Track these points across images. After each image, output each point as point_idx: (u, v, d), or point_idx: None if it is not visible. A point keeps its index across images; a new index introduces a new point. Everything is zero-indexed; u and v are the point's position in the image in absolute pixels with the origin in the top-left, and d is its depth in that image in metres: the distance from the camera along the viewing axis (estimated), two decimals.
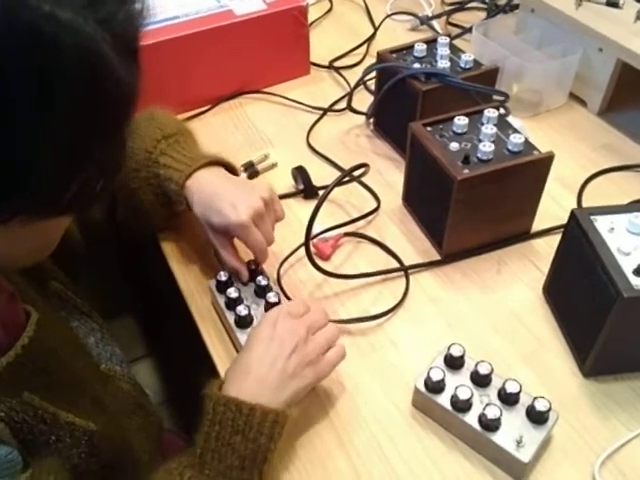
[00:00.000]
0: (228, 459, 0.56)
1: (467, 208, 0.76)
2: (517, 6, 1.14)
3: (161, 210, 0.79)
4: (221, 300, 0.73)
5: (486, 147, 0.74)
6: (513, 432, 0.60)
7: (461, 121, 0.78)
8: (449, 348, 0.65)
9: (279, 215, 0.76)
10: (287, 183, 0.92)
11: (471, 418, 0.61)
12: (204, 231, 0.74)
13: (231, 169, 0.78)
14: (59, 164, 0.41)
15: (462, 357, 0.64)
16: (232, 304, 0.71)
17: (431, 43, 0.94)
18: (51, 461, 0.50)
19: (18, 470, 0.47)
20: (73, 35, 0.38)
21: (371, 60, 1.12)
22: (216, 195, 0.72)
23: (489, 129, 0.76)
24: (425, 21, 1.24)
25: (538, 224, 0.83)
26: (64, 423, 0.53)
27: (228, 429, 0.56)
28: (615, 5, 0.99)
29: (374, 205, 0.88)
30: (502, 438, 0.60)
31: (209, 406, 0.57)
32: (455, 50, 0.93)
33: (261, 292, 0.73)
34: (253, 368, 0.59)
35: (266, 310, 0.71)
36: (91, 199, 0.47)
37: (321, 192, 0.89)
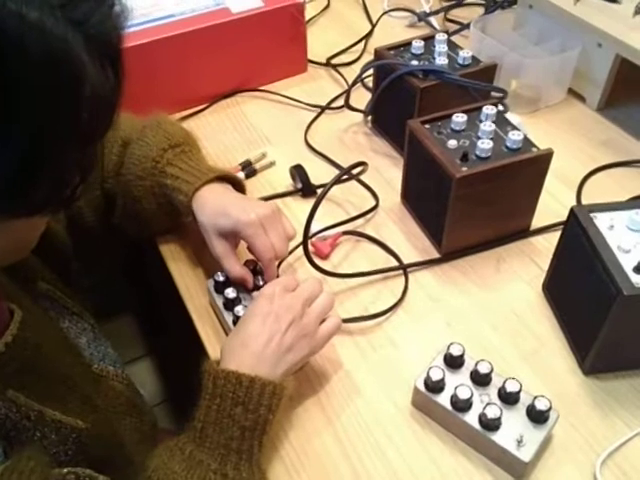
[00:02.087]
0: (229, 430, 0.57)
1: (466, 206, 0.75)
2: (515, 2, 1.14)
3: (163, 218, 0.79)
4: (219, 300, 0.73)
5: (485, 144, 0.74)
6: (513, 431, 0.59)
7: (459, 118, 0.78)
8: (449, 347, 0.64)
9: (289, 232, 0.74)
10: (285, 182, 0.92)
11: (471, 418, 0.61)
12: (207, 240, 0.73)
13: (238, 185, 0.78)
14: (25, 166, 0.40)
15: (462, 356, 0.64)
16: (230, 304, 0.71)
17: (429, 40, 0.93)
18: (31, 448, 0.50)
19: None
20: (41, 35, 0.37)
21: (369, 57, 1.11)
22: (225, 204, 0.72)
23: (487, 126, 0.76)
24: (423, 17, 1.24)
25: (537, 221, 0.83)
26: (50, 421, 0.53)
27: (229, 401, 0.57)
28: (614, 0, 0.99)
29: (372, 203, 0.88)
30: (502, 437, 0.59)
31: (208, 380, 0.58)
32: (453, 47, 0.92)
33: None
34: (251, 343, 0.61)
35: None
36: (62, 201, 0.47)
37: (319, 190, 0.88)
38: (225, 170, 0.78)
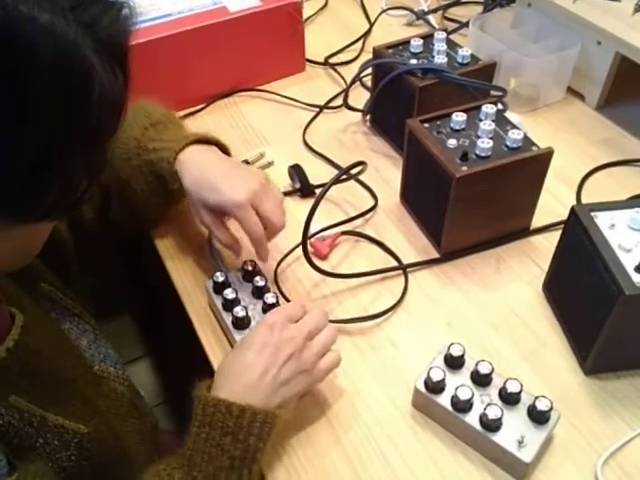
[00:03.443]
0: (218, 460, 0.56)
1: (466, 205, 0.75)
2: (514, 0, 1.13)
3: (154, 199, 0.78)
4: (218, 301, 0.72)
5: (484, 143, 0.73)
6: (514, 432, 0.59)
7: (459, 117, 0.77)
8: (449, 348, 0.64)
9: (278, 196, 0.73)
10: (283, 182, 0.91)
11: (472, 418, 0.60)
12: (194, 209, 0.73)
13: (223, 148, 0.77)
14: (36, 169, 0.41)
15: (462, 357, 0.64)
16: (229, 305, 0.71)
17: (427, 38, 0.93)
18: (38, 464, 0.50)
19: (4, 474, 0.47)
20: (52, 38, 0.37)
21: (367, 56, 1.11)
22: (211, 171, 0.71)
23: (487, 125, 0.76)
24: (421, 16, 1.23)
25: (537, 221, 0.82)
26: (52, 426, 0.53)
27: (218, 430, 0.56)
28: None
29: (372, 203, 0.87)
30: (503, 438, 0.59)
31: (198, 408, 0.57)
32: (452, 45, 0.92)
33: (258, 293, 0.72)
34: (246, 372, 0.59)
35: (264, 311, 0.70)
36: (70, 206, 0.47)
37: (318, 190, 0.88)
38: (206, 133, 0.77)
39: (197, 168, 0.71)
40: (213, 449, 0.55)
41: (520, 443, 0.58)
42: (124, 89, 0.45)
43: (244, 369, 0.59)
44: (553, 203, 0.85)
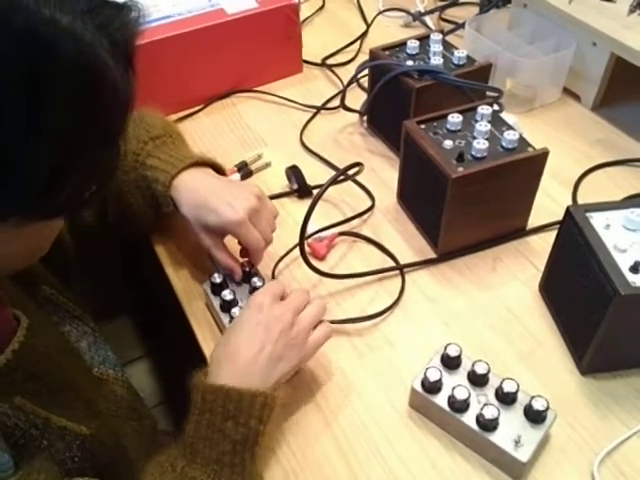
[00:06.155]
0: (220, 445, 0.56)
1: (462, 206, 0.75)
2: (510, 1, 1.14)
3: (150, 212, 0.79)
4: (216, 302, 0.72)
5: (480, 144, 0.74)
6: (511, 432, 0.59)
7: (455, 118, 0.78)
8: (446, 348, 0.64)
9: (273, 211, 0.75)
10: (281, 182, 0.91)
11: (469, 418, 0.61)
12: (193, 231, 0.73)
13: (218, 169, 0.78)
14: (53, 167, 0.41)
15: (459, 357, 0.64)
16: (227, 306, 0.71)
17: (424, 40, 0.93)
18: (40, 460, 0.50)
19: (9, 474, 0.47)
20: (72, 40, 0.39)
21: (364, 57, 1.11)
22: (208, 194, 0.72)
23: (483, 126, 0.76)
24: (417, 17, 1.23)
25: (533, 221, 0.83)
26: (56, 427, 0.53)
27: (219, 416, 0.56)
28: None
29: (369, 204, 0.88)
30: (500, 438, 0.59)
31: (197, 395, 0.57)
32: (448, 46, 0.92)
33: None
34: (241, 352, 0.60)
35: None
36: (84, 202, 0.47)
37: (315, 191, 0.88)
38: (202, 155, 0.78)
39: (193, 192, 0.73)
40: (215, 435, 0.56)
41: (517, 443, 0.59)
42: (133, 89, 0.46)
43: (239, 349, 0.60)
44: (549, 203, 0.86)
